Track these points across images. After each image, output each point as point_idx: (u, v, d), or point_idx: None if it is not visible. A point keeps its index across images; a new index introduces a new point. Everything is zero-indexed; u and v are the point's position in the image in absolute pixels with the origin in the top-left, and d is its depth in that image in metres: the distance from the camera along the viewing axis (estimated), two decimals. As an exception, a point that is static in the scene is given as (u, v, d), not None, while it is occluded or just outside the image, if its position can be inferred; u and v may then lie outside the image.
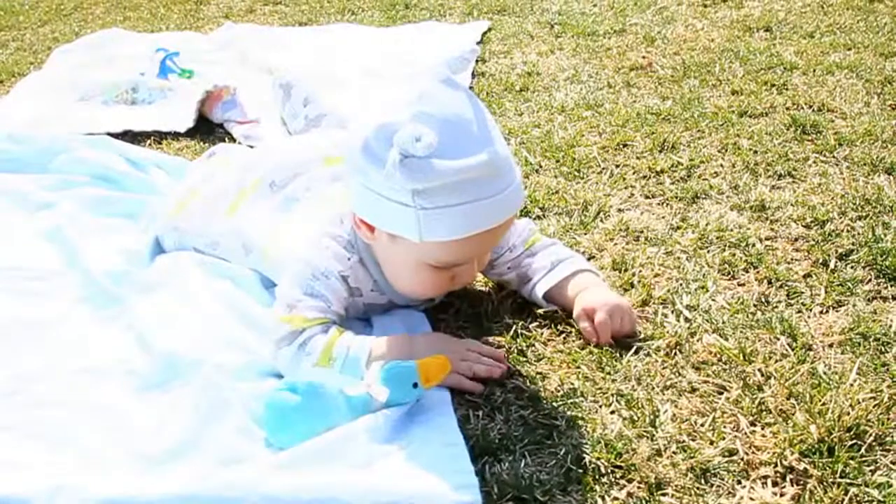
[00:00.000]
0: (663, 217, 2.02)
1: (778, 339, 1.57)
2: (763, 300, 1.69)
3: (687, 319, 1.64)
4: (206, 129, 2.73)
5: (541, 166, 2.31)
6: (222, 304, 1.75)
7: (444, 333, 1.63)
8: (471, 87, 2.88)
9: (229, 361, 1.56)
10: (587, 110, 2.65)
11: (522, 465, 1.32)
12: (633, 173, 2.23)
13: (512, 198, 1.50)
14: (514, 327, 1.65)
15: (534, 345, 1.61)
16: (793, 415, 1.38)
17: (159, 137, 2.67)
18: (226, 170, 2.02)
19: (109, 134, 2.64)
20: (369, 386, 1.42)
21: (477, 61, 3.18)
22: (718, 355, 1.54)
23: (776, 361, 1.52)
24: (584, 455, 1.33)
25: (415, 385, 1.42)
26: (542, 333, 1.64)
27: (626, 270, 1.81)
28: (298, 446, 1.36)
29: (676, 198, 2.10)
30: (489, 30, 3.61)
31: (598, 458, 1.32)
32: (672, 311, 1.67)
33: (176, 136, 2.68)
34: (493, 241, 1.58)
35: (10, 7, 4.80)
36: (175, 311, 1.74)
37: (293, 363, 1.53)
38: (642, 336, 1.61)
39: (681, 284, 1.76)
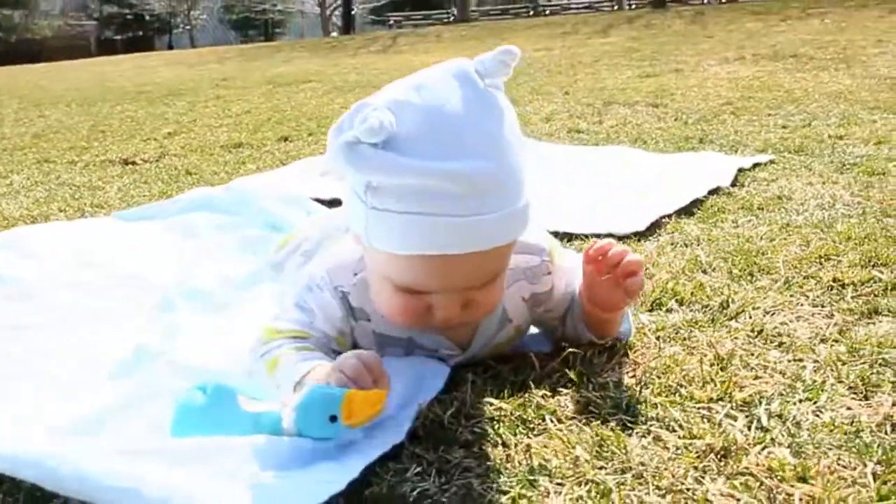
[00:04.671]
0: (819, 328, 1.55)
1: (865, 466, 1.09)
2: (883, 425, 1.20)
3: (760, 428, 1.21)
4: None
5: (711, 267, 1.92)
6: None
7: None
8: (700, 200, 2.54)
9: (192, 363, 1.40)
10: (813, 229, 2.19)
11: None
12: (816, 283, 1.77)
13: (494, 227, 1.20)
14: (535, 399, 1.32)
15: (543, 417, 1.27)
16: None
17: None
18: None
19: (320, 200, 2.66)
20: (284, 406, 1.18)
21: (733, 185, 2.83)
22: (767, 469, 1.10)
23: (837, 488, 1.04)
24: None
25: (333, 418, 1.15)
26: (563, 409, 1.29)
27: (723, 369, 1.39)
28: (178, 440, 1.16)
29: (849, 311, 1.61)
30: (770, 162, 3.21)
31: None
32: (745, 415, 1.24)
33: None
34: (475, 275, 1.27)
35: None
36: (211, 327, 1.63)
37: (252, 372, 1.34)
38: (683, 433, 1.20)
39: (781, 390, 1.31)
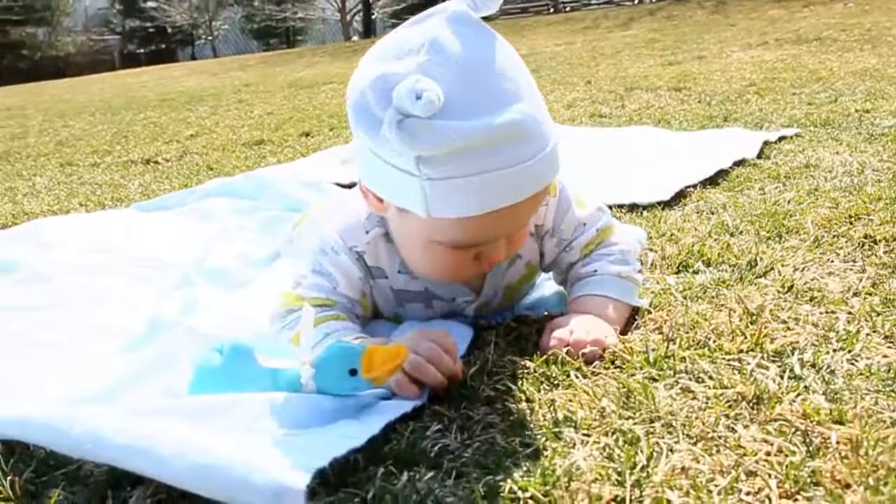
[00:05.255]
0: (851, 282, 1.50)
1: (903, 408, 1.04)
2: (923, 369, 1.15)
3: (794, 377, 1.16)
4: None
5: (738, 230, 1.88)
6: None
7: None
8: (725, 171, 2.49)
9: (208, 330, 1.37)
10: (842, 192, 2.14)
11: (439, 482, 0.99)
12: (846, 241, 1.72)
13: (541, 168, 1.18)
14: (561, 355, 1.28)
15: (568, 373, 1.23)
16: (841, 495, 0.88)
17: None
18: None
19: (340, 185, 2.65)
20: (304, 364, 1.16)
21: (759, 156, 2.78)
22: (802, 414, 1.05)
23: (876, 429, 1.00)
24: (504, 485, 0.95)
25: (353, 372, 1.13)
26: (588, 365, 1.25)
27: (752, 323, 1.35)
28: (194, 398, 1.13)
29: (882, 265, 1.56)
30: (797, 135, 3.15)
31: (525, 487, 0.94)
32: (777, 365, 1.20)
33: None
34: (522, 217, 1.27)
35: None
36: (230, 301, 1.61)
37: (276, 339, 1.34)
38: (713, 384, 1.16)
39: (814, 341, 1.26)
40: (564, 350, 1.26)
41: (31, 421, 1.07)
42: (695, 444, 1.03)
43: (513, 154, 1.14)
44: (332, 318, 1.33)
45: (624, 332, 1.38)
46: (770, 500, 0.90)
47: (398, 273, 1.39)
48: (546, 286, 1.60)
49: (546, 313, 1.49)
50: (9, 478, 1.06)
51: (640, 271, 1.50)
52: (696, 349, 1.27)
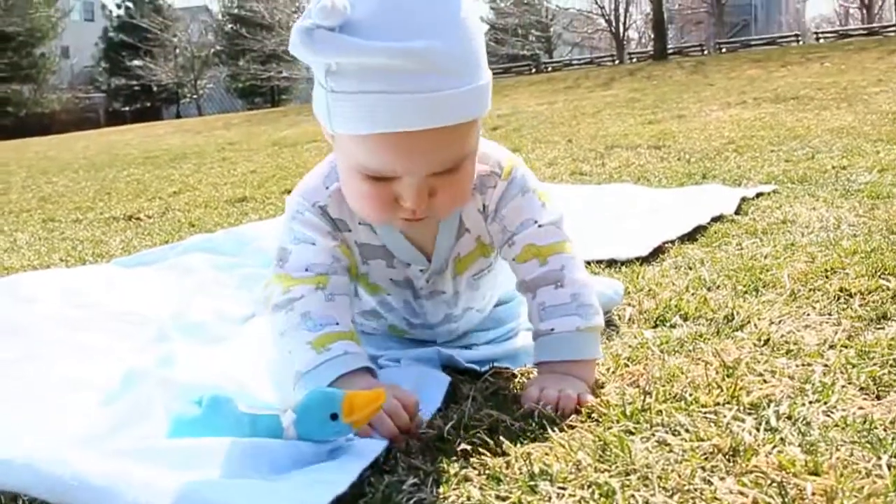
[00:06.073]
0: (827, 335, 1.51)
1: (880, 458, 1.05)
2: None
3: (770, 429, 1.16)
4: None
5: (715, 284, 1.89)
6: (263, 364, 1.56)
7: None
8: (703, 227, 2.52)
9: (184, 380, 1.37)
10: (818, 247, 2.16)
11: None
12: (822, 294, 1.73)
13: (453, 103, 1.20)
14: (536, 409, 1.28)
15: (544, 426, 1.23)
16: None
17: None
18: None
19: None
20: (285, 411, 1.16)
21: (737, 212, 2.81)
22: (778, 466, 1.05)
23: (851, 480, 1.00)
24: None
25: (333, 417, 1.13)
26: (565, 418, 1.25)
27: (729, 376, 1.35)
28: (174, 442, 1.13)
29: (857, 318, 1.58)
30: (774, 191, 3.19)
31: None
32: (753, 417, 1.20)
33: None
34: (437, 157, 1.25)
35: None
36: (206, 355, 1.60)
37: (288, 329, 1.37)
38: (689, 436, 1.16)
39: (790, 393, 1.27)
40: (540, 405, 1.27)
41: (12, 463, 1.06)
42: (670, 496, 1.02)
43: (417, 82, 1.17)
44: (339, 337, 1.34)
45: (596, 383, 1.39)
46: (745, 552, 0.90)
47: (359, 225, 1.45)
48: (520, 337, 1.61)
49: (526, 365, 1.49)
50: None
51: (597, 312, 1.45)
52: (672, 402, 1.28)
